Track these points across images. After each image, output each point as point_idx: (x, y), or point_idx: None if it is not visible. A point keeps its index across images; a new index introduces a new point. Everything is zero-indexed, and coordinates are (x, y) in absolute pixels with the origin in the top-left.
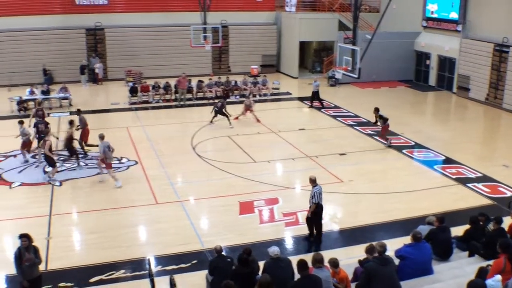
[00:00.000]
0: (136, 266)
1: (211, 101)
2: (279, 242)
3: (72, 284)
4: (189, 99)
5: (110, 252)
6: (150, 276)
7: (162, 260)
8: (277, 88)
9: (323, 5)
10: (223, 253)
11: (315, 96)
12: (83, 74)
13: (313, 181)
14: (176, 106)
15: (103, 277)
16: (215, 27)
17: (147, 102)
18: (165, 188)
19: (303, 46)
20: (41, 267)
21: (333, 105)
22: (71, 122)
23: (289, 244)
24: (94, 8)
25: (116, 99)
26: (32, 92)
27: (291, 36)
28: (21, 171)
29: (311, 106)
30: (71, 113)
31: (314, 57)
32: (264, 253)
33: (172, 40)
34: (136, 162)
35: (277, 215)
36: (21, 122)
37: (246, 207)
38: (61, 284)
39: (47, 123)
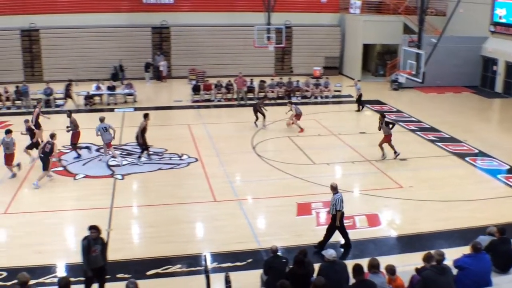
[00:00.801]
0: (192, 262)
1: (272, 101)
2: (335, 246)
3: (130, 275)
4: (251, 99)
5: (167, 246)
6: (206, 272)
7: (218, 257)
8: (339, 91)
9: (388, 8)
10: (278, 253)
11: (359, 99)
12: (147, 71)
13: (334, 188)
14: (238, 106)
15: (159, 270)
16: (279, 28)
17: (209, 100)
18: (223, 186)
19: (367, 49)
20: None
21: (395, 110)
22: (146, 116)
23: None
24: (160, 7)
25: (179, 97)
26: (98, 88)
27: (354, 38)
28: (85, 163)
29: (359, 110)
30: (136, 109)
31: (378, 60)
32: (320, 256)
33: (235, 39)
34: (197, 159)
35: None
36: (69, 116)
37: (304, 209)
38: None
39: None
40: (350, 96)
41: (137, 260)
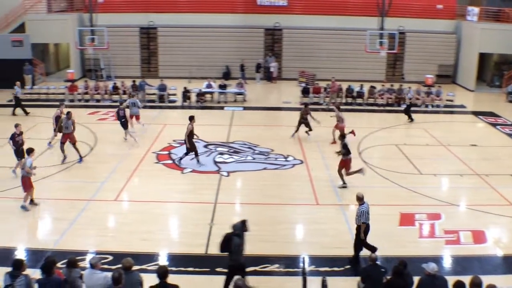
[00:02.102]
0: (290, 263)
1: (381, 107)
2: (437, 259)
3: (227, 270)
4: (359, 104)
5: (267, 245)
6: (303, 274)
7: (317, 260)
8: (451, 100)
9: (507, 16)
10: (377, 262)
11: (408, 108)
12: (258, 72)
13: (359, 199)
14: (346, 110)
15: (257, 268)
16: (392, 33)
17: (317, 103)
18: (327, 190)
19: (483, 58)
20: (201, 251)
21: (510, 123)
22: (191, 118)
23: (447, 263)
24: (274, 9)
25: (288, 98)
26: (209, 85)
27: (470, 46)
28: (193, 158)
29: (411, 120)
30: (245, 108)
31: (494, 70)
32: (420, 269)
33: (347, 43)
34: (302, 162)
35: (438, 231)
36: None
37: (407, 219)
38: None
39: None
40: (463, 106)
41: None
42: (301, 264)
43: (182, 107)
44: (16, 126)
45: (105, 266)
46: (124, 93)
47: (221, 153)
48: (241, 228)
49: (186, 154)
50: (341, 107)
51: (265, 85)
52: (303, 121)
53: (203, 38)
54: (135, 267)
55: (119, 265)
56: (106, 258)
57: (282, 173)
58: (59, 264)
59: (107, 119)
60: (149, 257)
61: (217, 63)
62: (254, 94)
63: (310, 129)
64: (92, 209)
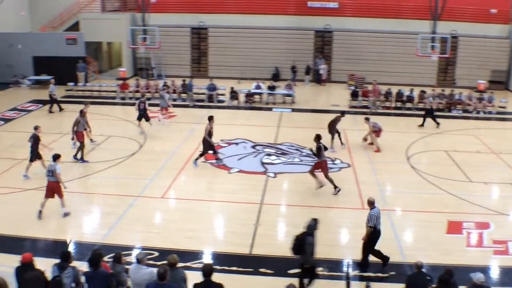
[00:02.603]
0: (334, 266)
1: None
2: (484, 270)
3: (272, 271)
4: (409, 109)
5: None
6: (347, 279)
7: (361, 265)
8: (504, 107)
9: None
10: (423, 269)
11: (428, 113)
12: (307, 74)
13: (371, 203)
14: (395, 114)
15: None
16: (444, 37)
17: (366, 107)
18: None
19: None
20: (246, 251)
21: None
22: (210, 118)
23: (494, 273)
24: (324, 11)
25: (337, 101)
26: (258, 86)
27: None
28: (241, 158)
29: (421, 125)
30: (293, 110)
31: None
32: (466, 278)
33: (398, 47)
34: (349, 165)
35: (486, 241)
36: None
37: (455, 227)
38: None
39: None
40: None
41: (280, 258)
42: (345, 268)
43: (231, 107)
44: (36, 128)
45: (151, 262)
46: (174, 92)
47: (269, 154)
48: (314, 227)
49: (201, 155)
50: (390, 111)
51: (314, 87)
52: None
53: (253, 39)
54: (180, 264)
55: (164, 261)
56: (152, 254)
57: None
58: (105, 258)
59: (156, 117)
60: (194, 255)
61: (266, 64)
62: (303, 96)
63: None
64: (139, 205)
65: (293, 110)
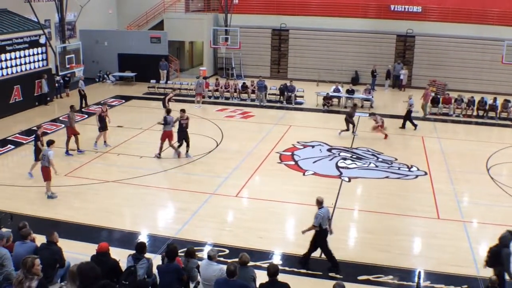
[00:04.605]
0: (405, 276)
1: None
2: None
3: (341, 277)
4: (492, 118)
5: (382, 255)
6: None
7: (432, 276)
8: None
9: None
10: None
11: (408, 115)
12: (387, 78)
13: (319, 203)
14: (477, 123)
15: (370, 277)
16: None
17: (447, 114)
18: (450, 204)
19: None
20: (316, 254)
21: None
22: (182, 110)
23: None
24: (407, 15)
25: (416, 108)
26: (337, 90)
27: None
28: (316, 161)
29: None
30: (370, 114)
31: None
32: None
33: (482, 54)
34: (426, 173)
35: None
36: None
37: None
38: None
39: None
40: None
41: (350, 263)
42: (416, 279)
43: (308, 110)
44: (39, 127)
45: (221, 259)
46: (253, 92)
47: (344, 158)
48: (509, 238)
49: (180, 145)
50: (471, 119)
51: (393, 92)
52: (349, 119)
53: (333, 42)
54: (250, 263)
55: (235, 259)
56: (223, 251)
57: (404, 183)
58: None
59: (234, 117)
60: (264, 255)
61: (346, 68)
62: (382, 101)
63: (348, 130)
64: (213, 203)
65: (370, 114)
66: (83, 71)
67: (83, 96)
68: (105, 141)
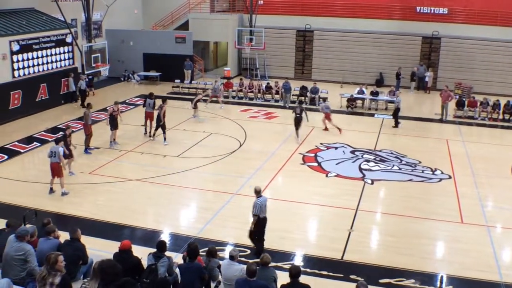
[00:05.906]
0: (427, 280)
1: None
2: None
3: (363, 279)
4: (508, 121)
5: (404, 258)
6: None
7: (455, 281)
8: None
9: None
10: None
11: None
12: (413, 80)
13: (257, 192)
14: (502, 127)
15: (392, 281)
16: None
17: (472, 117)
18: (474, 208)
19: None
20: (338, 256)
21: None
22: (164, 100)
23: None
24: (433, 17)
25: (440, 110)
26: (361, 92)
27: None
28: (339, 163)
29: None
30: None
31: None
32: None
33: (509, 56)
34: (450, 177)
35: None
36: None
37: None
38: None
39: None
40: None
41: (372, 266)
42: (438, 283)
43: (333, 111)
44: (67, 129)
45: (242, 259)
46: (277, 93)
47: (367, 161)
48: None
49: (156, 129)
50: (497, 123)
51: (418, 94)
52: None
53: (357, 43)
54: (271, 264)
55: (257, 260)
56: (245, 251)
57: (428, 186)
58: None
59: (258, 117)
60: (285, 256)
61: (370, 69)
62: (406, 103)
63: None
64: (235, 203)
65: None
66: (108, 70)
67: (83, 95)
68: (114, 139)
